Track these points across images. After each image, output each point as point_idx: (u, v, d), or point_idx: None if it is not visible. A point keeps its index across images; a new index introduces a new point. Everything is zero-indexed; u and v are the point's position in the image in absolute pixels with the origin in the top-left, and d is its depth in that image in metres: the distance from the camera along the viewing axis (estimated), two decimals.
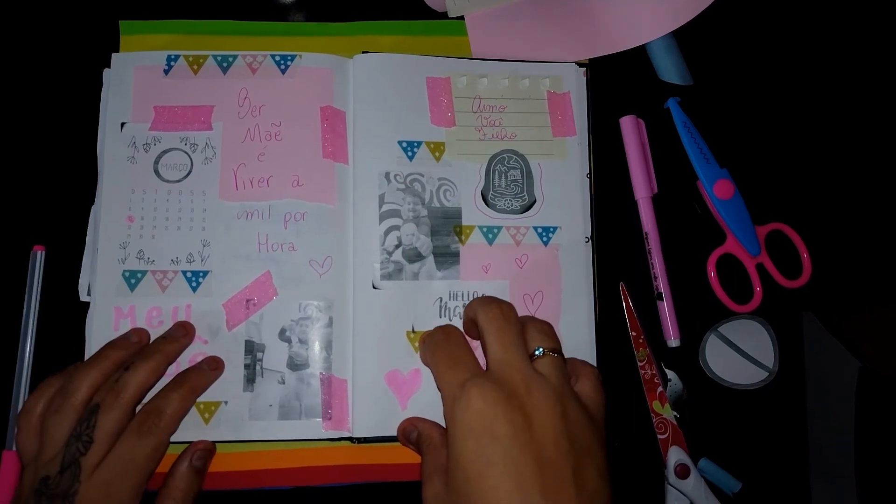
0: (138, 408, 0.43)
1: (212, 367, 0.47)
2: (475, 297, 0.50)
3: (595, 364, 0.50)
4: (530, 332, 0.42)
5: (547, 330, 0.42)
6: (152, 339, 0.47)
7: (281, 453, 0.48)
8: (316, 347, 0.48)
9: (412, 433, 0.45)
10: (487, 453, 0.36)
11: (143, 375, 0.43)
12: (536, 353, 0.41)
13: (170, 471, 0.44)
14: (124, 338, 0.46)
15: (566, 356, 0.42)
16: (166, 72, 0.51)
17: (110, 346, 0.45)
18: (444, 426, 0.40)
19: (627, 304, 0.52)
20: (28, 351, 0.48)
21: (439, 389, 0.41)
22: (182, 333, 0.47)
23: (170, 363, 0.46)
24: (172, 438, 0.46)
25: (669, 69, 0.54)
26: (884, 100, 0.57)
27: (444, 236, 0.50)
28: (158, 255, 0.49)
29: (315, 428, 0.47)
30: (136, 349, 0.45)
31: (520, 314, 0.43)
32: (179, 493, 0.43)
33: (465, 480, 0.36)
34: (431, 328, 0.47)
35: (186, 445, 0.46)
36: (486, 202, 0.51)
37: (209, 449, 0.46)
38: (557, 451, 0.37)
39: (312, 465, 0.48)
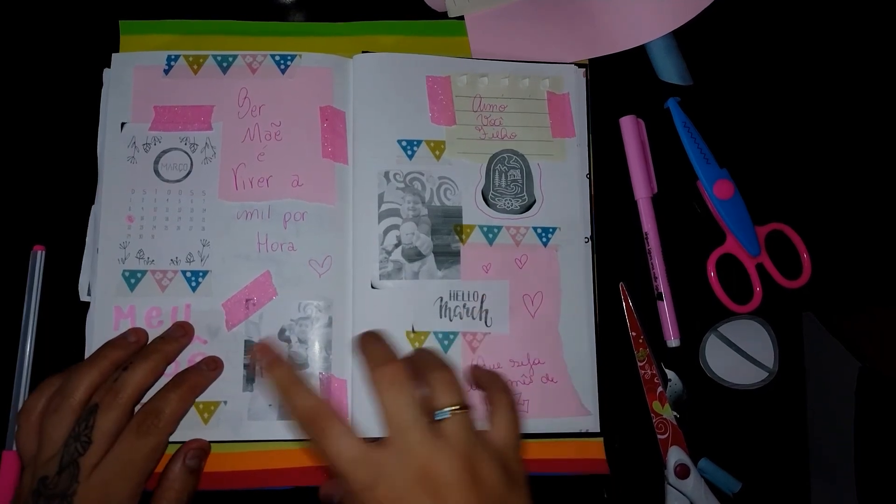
0: (137, 408, 0.43)
1: (210, 368, 0.47)
2: (475, 297, 0.50)
3: (596, 367, 0.50)
4: (431, 385, 0.38)
5: (447, 379, 0.38)
6: (151, 339, 0.47)
7: (280, 453, 0.48)
8: (315, 347, 0.48)
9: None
10: None
11: (141, 375, 0.43)
12: (438, 416, 0.37)
13: (163, 471, 0.44)
14: (122, 338, 0.46)
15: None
16: (166, 72, 0.51)
17: (109, 345, 0.45)
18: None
19: (627, 304, 0.52)
20: (28, 351, 0.48)
21: (335, 470, 0.37)
22: (181, 333, 0.47)
23: (168, 363, 0.46)
24: (172, 438, 0.46)
25: (669, 69, 0.54)
26: (884, 100, 0.57)
27: (445, 235, 0.50)
28: (158, 254, 0.49)
29: None
30: (134, 349, 0.45)
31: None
32: (173, 493, 0.43)
33: None
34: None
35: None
36: (487, 201, 0.51)
37: (203, 448, 0.45)
38: None
39: (312, 466, 0.48)
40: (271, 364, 0.39)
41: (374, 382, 0.38)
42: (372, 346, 0.40)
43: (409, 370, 0.38)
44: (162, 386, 0.45)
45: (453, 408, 0.38)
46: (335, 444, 0.37)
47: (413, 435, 0.37)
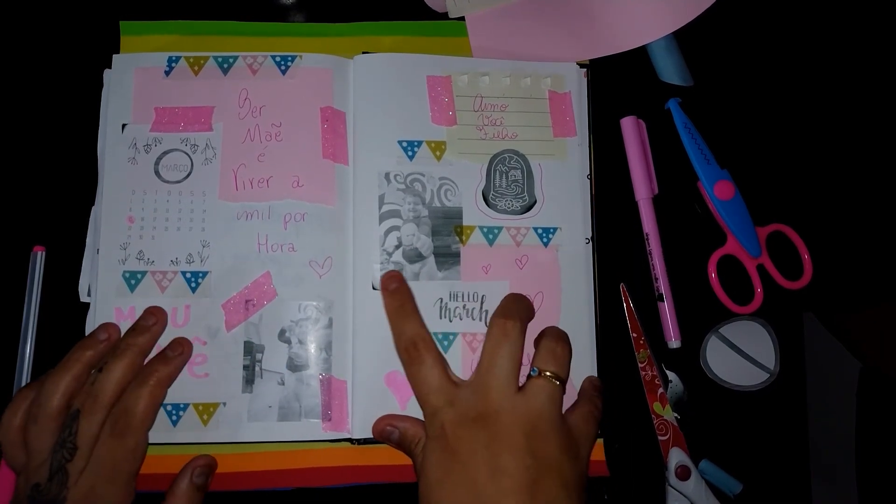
0: None
1: (176, 353, 0.45)
2: (475, 298, 0.50)
3: (596, 368, 0.50)
4: (540, 349, 0.44)
5: (557, 351, 0.44)
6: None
7: (280, 455, 0.48)
8: (316, 348, 0.48)
9: (393, 433, 0.45)
10: (446, 465, 0.41)
11: (118, 374, 0.43)
12: (532, 373, 0.43)
13: (170, 488, 0.44)
14: (93, 337, 0.45)
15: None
16: (167, 73, 0.51)
17: (79, 347, 0.44)
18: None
19: (628, 305, 0.52)
20: (28, 351, 0.48)
21: (416, 395, 0.44)
22: (152, 322, 0.46)
23: (145, 355, 0.45)
24: (173, 440, 0.46)
25: (670, 70, 0.54)
26: (884, 100, 0.57)
27: (445, 236, 0.50)
28: (158, 255, 0.49)
29: (315, 429, 0.47)
30: (107, 347, 0.45)
31: None
32: None
33: (427, 487, 0.41)
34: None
35: (186, 446, 0.46)
36: (487, 202, 0.51)
37: (210, 465, 0.45)
38: (516, 463, 0.40)
39: (312, 467, 0.48)
40: (395, 290, 0.46)
41: (490, 327, 0.44)
42: (512, 302, 0.46)
43: (524, 333, 0.44)
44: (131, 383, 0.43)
45: (547, 374, 0.43)
46: (425, 371, 0.43)
47: (495, 381, 0.42)
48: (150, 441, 0.45)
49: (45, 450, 0.41)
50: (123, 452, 0.41)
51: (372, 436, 0.47)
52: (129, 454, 0.42)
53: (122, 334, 0.45)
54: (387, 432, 0.45)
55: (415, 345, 0.44)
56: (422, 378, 0.43)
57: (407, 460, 0.45)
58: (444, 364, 0.44)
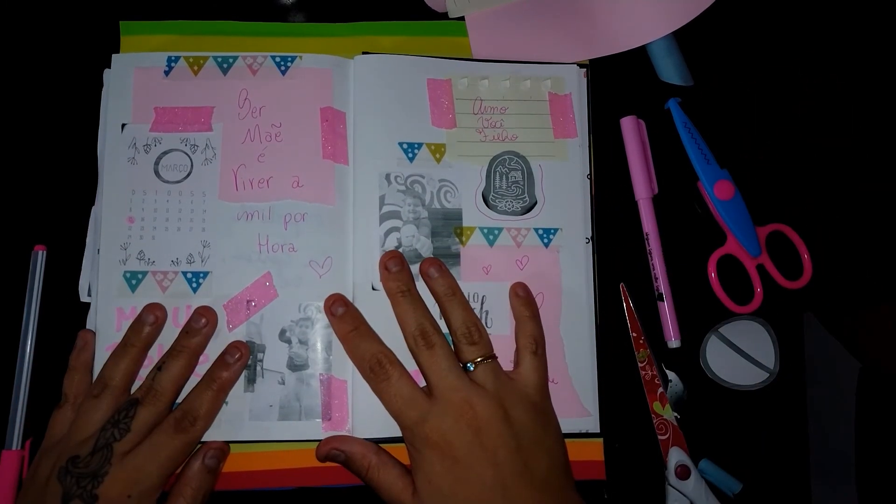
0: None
1: (236, 358, 0.46)
2: (475, 298, 0.50)
3: (596, 368, 0.50)
4: (458, 345, 0.46)
5: (473, 337, 0.46)
6: (178, 333, 0.47)
7: (281, 454, 0.48)
8: (316, 348, 0.48)
9: (339, 456, 0.45)
10: (455, 473, 0.42)
11: (176, 373, 0.45)
12: (469, 368, 0.45)
13: (183, 469, 0.45)
14: (140, 321, 0.47)
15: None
16: (167, 73, 0.51)
17: (132, 331, 0.46)
18: (363, 440, 0.46)
19: (628, 304, 0.52)
20: (28, 351, 0.48)
21: (389, 411, 0.45)
22: (203, 323, 0.47)
23: (199, 356, 0.47)
24: None
25: (670, 70, 0.54)
26: (884, 100, 0.57)
27: (445, 237, 0.50)
28: (159, 255, 0.49)
29: (315, 429, 0.47)
30: (157, 328, 0.47)
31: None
32: (191, 490, 0.44)
33: (443, 497, 0.42)
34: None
35: None
36: (487, 203, 0.51)
37: (222, 448, 0.46)
38: (507, 451, 0.42)
39: (312, 466, 0.48)
40: (344, 315, 0.47)
41: (413, 348, 0.45)
42: (404, 310, 0.46)
43: (435, 325, 0.46)
44: (197, 384, 0.46)
45: (478, 360, 0.45)
46: (393, 386, 0.44)
47: (450, 381, 0.44)
48: None
49: (94, 425, 0.43)
50: (178, 446, 0.43)
51: (372, 436, 0.47)
52: (183, 448, 0.44)
53: (177, 335, 0.47)
54: (332, 455, 0.46)
55: (379, 362, 0.45)
56: (393, 393, 0.44)
57: (406, 460, 0.45)
58: (409, 376, 0.45)
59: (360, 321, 0.47)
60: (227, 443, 0.47)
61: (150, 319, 0.46)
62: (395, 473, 0.44)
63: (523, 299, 0.49)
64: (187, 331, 0.47)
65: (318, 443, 0.47)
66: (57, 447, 0.43)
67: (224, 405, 0.47)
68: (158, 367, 0.45)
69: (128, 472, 0.42)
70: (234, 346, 0.47)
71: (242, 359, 0.47)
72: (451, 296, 0.47)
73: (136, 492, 0.42)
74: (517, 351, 0.48)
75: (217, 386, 0.45)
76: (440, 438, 0.42)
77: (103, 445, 0.42)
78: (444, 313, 0.47)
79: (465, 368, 0.45)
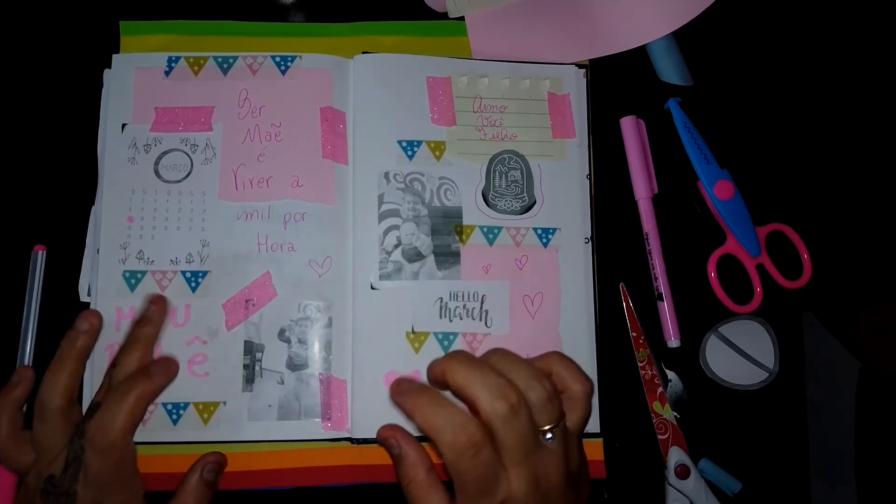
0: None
1: (161, 370, 0.44)
2: (475, 297, 0.50)
3: (596, 367, 0.50)
4: (535, 406, 0.37)
5: (543, 397, 0.37)
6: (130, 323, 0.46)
7: (280, 454, 0.48)
8: (315, 348, 0.48)
9: (394, 448, 0.40)
10: None
11: (131, 368, 0.43)
12: (547, 438, 0.37)
13: (181, 483, 0.44)
14: (75, 330, 0.45)
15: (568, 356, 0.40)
16: (167, 73, 0.51)
17: (66, 343, 0.44)
18: (425, 448, 0.39)
19: (627, 304, 0.52)
20: (28, 351, 0.48)
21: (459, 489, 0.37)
22: (155, 311, 0.46)
23: (153, 344, 0.46)
24: (173, 439, 0.46)
25: (670, 70, 0.54)
26: (884, 100, 0.57)
27: (445, 236, 0.50)
28: (158, 255, 0.49)
29: (314, 428, 0.47)
30: (91, 336, 0.45)
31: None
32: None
33: None
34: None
35: (186, 445, 0.46)
36: (487, 202, 0.51)
37: (220, 461, 0.45)
38: None
39: (312, 466, 0.48)
40: (411, 393, 0.38)
41: (495, 422, 0.36)
42: (481, 377, 0.37)
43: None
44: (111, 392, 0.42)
45: (552, 426, 0.37)
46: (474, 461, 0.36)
47: (525, 448, 0.36)
48: (151, 440, 0.45)
49: (58, 445, 0.42)
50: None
51: (371, 435, 0.47)
52: (136, 417, 0.41)
53: (168, 335, 0.46)
54: (389, 444, 0.40)
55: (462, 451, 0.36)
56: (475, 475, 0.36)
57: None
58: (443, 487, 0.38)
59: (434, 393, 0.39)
60: (222, 443, 0.47)
61: (85, 327, 0.45)
62: (437, 499, 0.38)
63: (563, 362, 0.41)
64: (139, 320, 0.45)
65: (317, 442, 0.47)
66: (36, 465, 0.42)
67: (223, 405, 0.47)
68: (113, 365, 0.44)
69: (94, 492, 0.41)
70: (164, 361, 0.45)
71: (168, 375, 0.45)
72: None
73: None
74: (567, 395, 0.39)
75: (136, 395, 0.42)
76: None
77: (73, 459, 0.41)
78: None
79: (542, 438, 0.37)
